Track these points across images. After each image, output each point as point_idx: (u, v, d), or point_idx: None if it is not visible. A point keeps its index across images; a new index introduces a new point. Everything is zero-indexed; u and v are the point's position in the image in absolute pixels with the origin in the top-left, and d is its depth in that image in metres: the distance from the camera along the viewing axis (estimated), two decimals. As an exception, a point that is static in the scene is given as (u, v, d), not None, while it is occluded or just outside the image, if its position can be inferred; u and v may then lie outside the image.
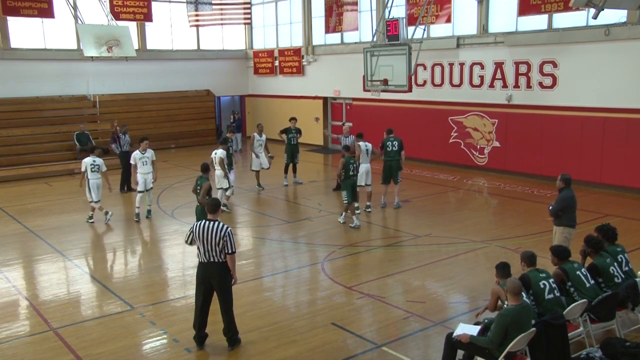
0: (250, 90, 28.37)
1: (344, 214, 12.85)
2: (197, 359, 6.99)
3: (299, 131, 16.79)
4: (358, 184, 13.25)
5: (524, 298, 6.00)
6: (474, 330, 6.13)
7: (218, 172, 13.75)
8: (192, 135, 25.87)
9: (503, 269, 6.52)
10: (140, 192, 13.30)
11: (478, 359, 6.09)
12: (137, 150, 13.25)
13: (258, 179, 16.50)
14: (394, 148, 13.70)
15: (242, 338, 7.24)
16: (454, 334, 6.15)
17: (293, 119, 17.07)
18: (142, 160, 13.19)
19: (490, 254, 10.56)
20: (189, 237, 7.01)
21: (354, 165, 12.52)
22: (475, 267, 9.97)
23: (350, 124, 15.98)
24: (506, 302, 6.17)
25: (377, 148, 13.84)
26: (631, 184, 14.90)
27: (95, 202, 13.13)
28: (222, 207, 13.68)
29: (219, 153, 13.67)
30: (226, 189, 13.89)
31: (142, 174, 13.19)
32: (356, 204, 13.43)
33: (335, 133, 19.39)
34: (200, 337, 7.14)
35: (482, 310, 6.78)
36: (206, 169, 10.63)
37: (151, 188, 13.45)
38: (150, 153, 13.28)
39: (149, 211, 13.55)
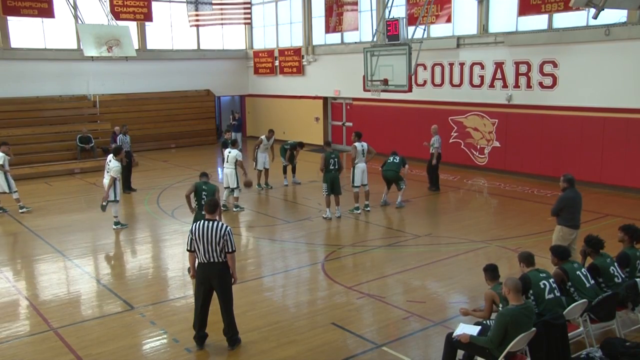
0: (250, 90, 28.37)
1: (328, 209, 13.12)
2: (197, 359, 6.99)
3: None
4: (355, 184, 13.44)
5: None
6: (474, 330, 6.13)
7: (228, 170, 13.77)
8: (192, 135, 25.91)
9: (493, 272, 6.50)
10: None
11: (478, 359, 6.09)
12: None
13: (259, 178, 16.56)
14: (394, 161, 14.13)
15: (242, 338, 7.24)
16: (454, 334, 6.15)
17: (300, 144, 17.28)
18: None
19: (490, 254, 10.56)
20: (189, 242, 6.96)
21: (335, 159, 12.93)
22: (475, 267, 9.95)
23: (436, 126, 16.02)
24: (500, 305, 6.19)
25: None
26: (631, 184, 14.90)
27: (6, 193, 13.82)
28: (234, 208, 13.93)
29: (233, 152, 13.73)
30: (233, 190, 13.92)
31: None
32: (356, 204, 13.56)
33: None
34: (200, 337, 7.13)
35: (477, 315, 6.69)
36: (205, 174, 10.35)
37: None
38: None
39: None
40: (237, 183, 13.86)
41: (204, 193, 9.84)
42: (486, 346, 5.84)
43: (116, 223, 12.68)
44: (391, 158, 14.25)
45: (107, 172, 12.54)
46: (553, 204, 9.07)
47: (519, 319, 5.71)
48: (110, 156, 12.60)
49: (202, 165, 20.56)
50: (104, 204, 12.45)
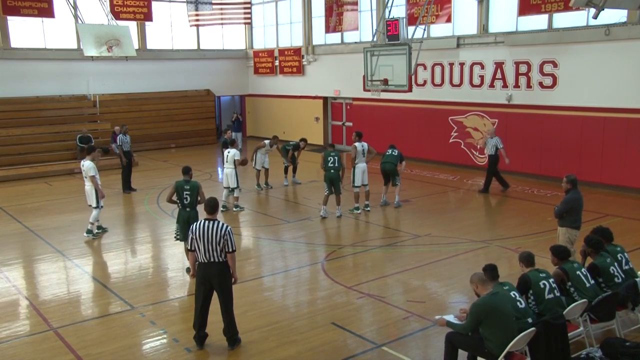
0: (250, 90, 28.36)
1: (323, 207, 13.16)
2: (197, 359, 6.99)
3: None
4: (356, 184, 13.44)
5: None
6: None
7: (228, 170, 13.78)
8: (192, 135, 25.90)
9: (492, 272, 6.48)
10: None
11: None
12: None
13: (258, 178, 16.57)
14: (392, 153, 14.12)
15: (242, 338, 7.24)
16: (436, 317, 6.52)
17: (303, 140, 17.29)
18: None
19: (490, 254, 10.56)
20: (190, 242, 6.97)
21: (335, 157, 12.95)
22: (475, 267, 9.91)
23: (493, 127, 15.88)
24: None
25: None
26: (631, 184, 14.90)
27: None
28: (234, 208, 13.93)
29: (232, 152, 13.73)
30: (233, 189, 13.92)
31: None
32: (356, 204, 13.56)
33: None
34: (200, 337, 7.13)
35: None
36: (188, 171, 10.03)
37: None
38: None
39: None
40: (237, 183, 13.86)
41: (185, 192, 9.64)
42: (461, 332, 6.06)
43: (88, 231, 12.02)
44: (389, 151, 14.24)
45: (85, 177, 11.83)
46: (556, 204, 9.06)
47: (494, 304, 5.79)
48: (83, 160, 11.94)
49: (203, 165, 20.58)
50: (101, 205, 12.03)
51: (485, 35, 17.88)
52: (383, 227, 12.93)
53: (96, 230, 12.19)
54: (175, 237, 10.09)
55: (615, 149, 15.11)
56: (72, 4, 21.28)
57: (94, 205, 11.90)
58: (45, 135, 21.40)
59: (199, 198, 9.67)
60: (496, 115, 17.71)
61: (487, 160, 15.63)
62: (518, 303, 6.22)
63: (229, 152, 13.86)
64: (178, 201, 9.78)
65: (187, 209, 9.71)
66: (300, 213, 13.99)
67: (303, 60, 24.67)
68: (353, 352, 7.06)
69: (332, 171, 12.94)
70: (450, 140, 19.02)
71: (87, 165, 11.73)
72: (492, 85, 17.73)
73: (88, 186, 11.94)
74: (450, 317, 6.40)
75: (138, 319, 8.09)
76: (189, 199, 9.66)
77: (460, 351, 6.25)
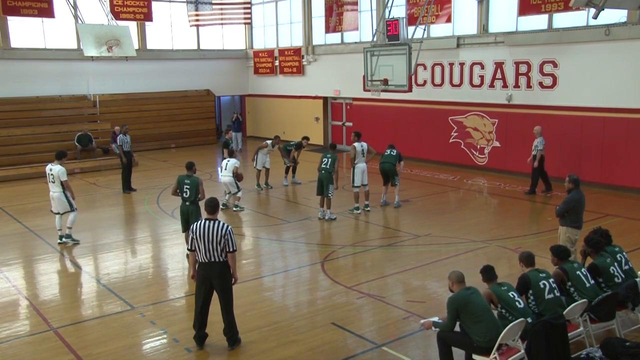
0: (250, 90, 28.37)
1: (320, 209, 13.15)
2: (197, 359, 6.99)
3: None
4: (355, 184, 13.44)
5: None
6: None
7: (227, 178, 13.73)
8: (192, 135, 25.92)
9: (488, 273, 6.49)
10: None
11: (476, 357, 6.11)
12: None
13: (258, 178, 16.58)
14: (391, 153, 14.11)
15: (242, 338, 7.25)
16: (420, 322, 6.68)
17: (305, 138, 17.19)
18: None
19: (490, 254, 10.56)
20: (190, 241, 6.97)
21: (328, 159, 12.88)
22: (475, 267, 9.86)
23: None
24: (499, 305, 6.22)
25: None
26: (631, 184, 14.91)
27: None
28: (234, 208, 13.92)
29: (231, 161, 13.70)
30: (235, 193, 13.92)
31: None
32: (356, 204, 13.56)
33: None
34: (200, 337, 7.14)
35: None
36: (191, 166, 10.27)
37: None
38: None
39: None
40: (237, 187, 13.82)
41: (185, 187, 10.04)
42: (445, 329, 6.18)
43: (67, 236, 11.57)
44: (388, 151, 14.22)
45: (53, 181, 11.23)
46: (557, 204, 9.08)
47: (467, 297, 5.94)
48: (51, 164, 11.35)
49: (203, 165, 20.56)
50: (74, 208, 11.57)
51: (485, 35, 17.89)
52: (383, 227, 12.93)
53: (69, 233, 11.69)
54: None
55: (615, 149, 15.12)
56: (72, 4, 21.28)
57: (70, 209, 11.49)
58: (46, 135, 21.40)
59: (199, 194, 9.92)
60: (496, 115, 17.72)
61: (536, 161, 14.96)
62: (517, 303, 6.22)
63: (228, 161, 13.79)
64: (179, 193, 10.15)
65: (187, 203, 10.06)
66: (300, 213, 13.99)
67: (303, 60, 24.67)
68: (353, 352, 7.07)
69: (322, 172, 12.86)
70: (450, 140, 19.03)
71: (58, 170, 11.14)
72: (492, 85, 17.73)
73: (57, 192, 11.29)
74: (435, 319, 6.48)
75: (138, 319, 8.09)
76: (188, 193, 9.97)
77: (459, 351, 6.27)
